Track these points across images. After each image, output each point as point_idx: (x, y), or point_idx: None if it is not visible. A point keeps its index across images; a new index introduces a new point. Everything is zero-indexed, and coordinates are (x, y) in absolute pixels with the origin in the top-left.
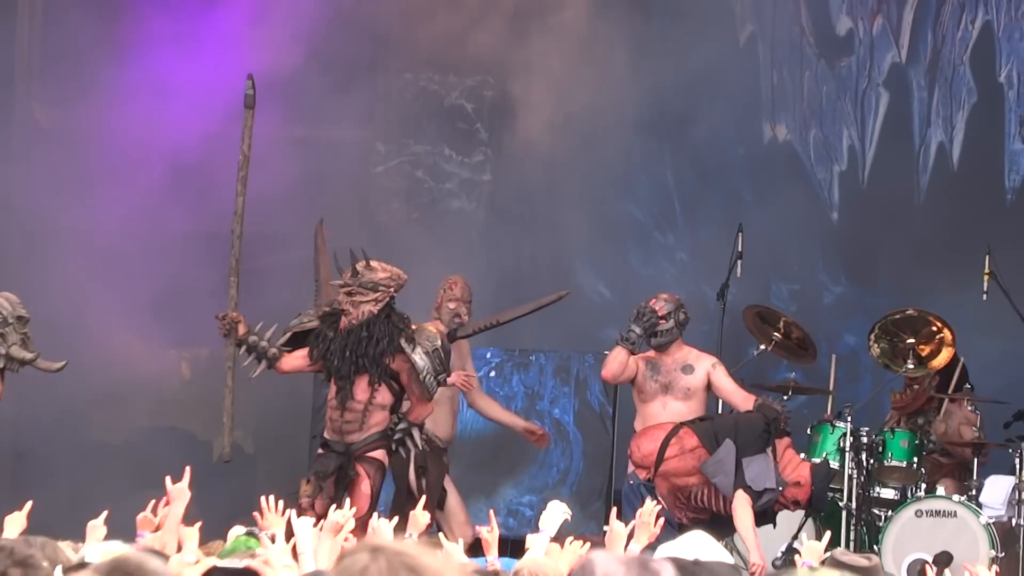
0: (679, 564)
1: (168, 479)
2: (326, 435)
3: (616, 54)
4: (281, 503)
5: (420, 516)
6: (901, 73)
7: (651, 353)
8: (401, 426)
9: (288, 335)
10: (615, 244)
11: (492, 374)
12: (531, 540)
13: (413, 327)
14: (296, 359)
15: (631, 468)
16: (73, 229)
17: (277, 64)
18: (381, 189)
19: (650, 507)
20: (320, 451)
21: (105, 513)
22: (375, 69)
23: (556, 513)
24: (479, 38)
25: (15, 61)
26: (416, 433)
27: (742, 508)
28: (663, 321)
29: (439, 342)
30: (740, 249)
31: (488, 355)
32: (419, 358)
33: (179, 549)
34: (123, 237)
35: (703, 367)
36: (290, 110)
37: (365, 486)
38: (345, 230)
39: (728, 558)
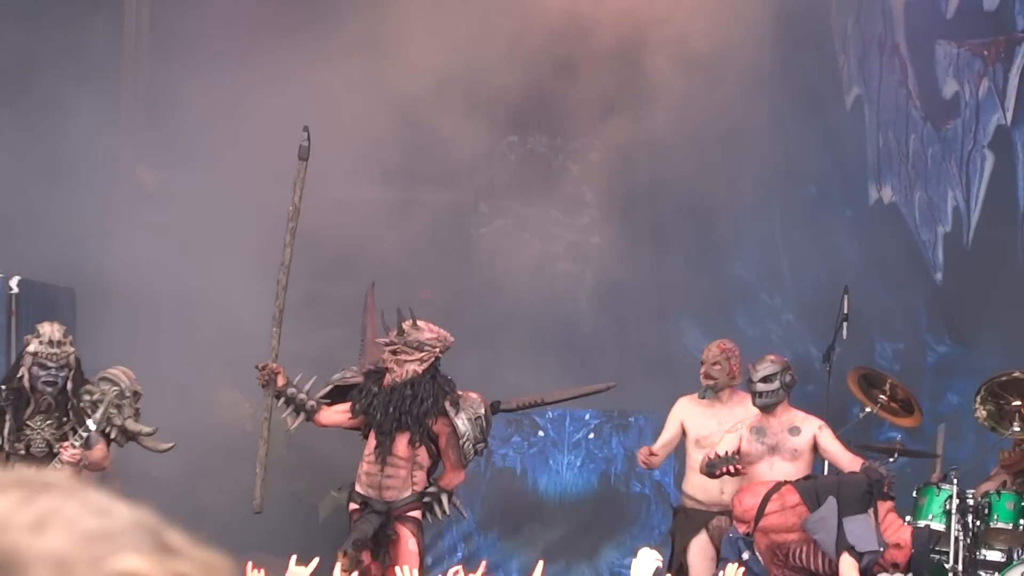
0: None
1: (293, 559)
2: (360, 490)
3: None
4: None
5: None
6: (1006, 135)
7: (754, 419)
8: (431, 489)
9: (329, 388)
10: (722, 304)
11: (591, 436)
12: None
13: (459, 393)
14: (335, 413)
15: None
16: (176, 293)
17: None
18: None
19: (732, 570)
20: (355, 506)
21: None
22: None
23: (648, 561)
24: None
25: (119, 121)
26: (445, 499)
27: (849, 572)
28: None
29: (482, 411)
30: (846, 311)
31: (587, 416)
32: (462, 423)
33: None
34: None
35: (809, 429)
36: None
37: (412, 544)
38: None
39: None
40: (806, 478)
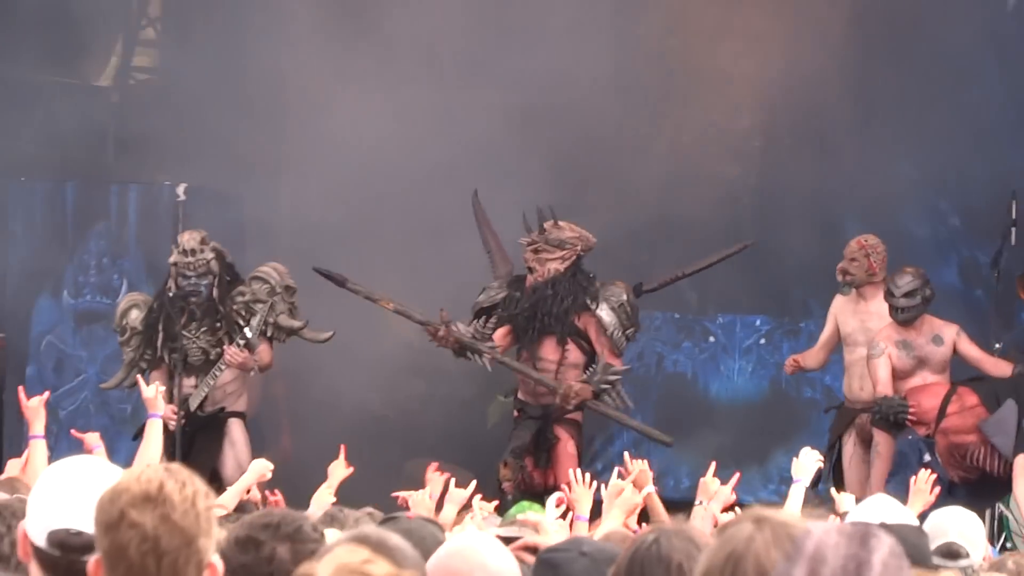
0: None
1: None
2: (521, 396)
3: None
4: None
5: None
6: None
7: (894, 332)
8: (599, 372)
9: (477, 310)
10: (889, 204)
11: (762, 342)
12: (792, 490)
13: (598, 284)
14: (503, 340)
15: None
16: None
17: None
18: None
19: (925, 475)
20: (516, 414)
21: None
22: None
23: (810, 461)
24: None
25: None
26: (615, 377)
27: (1023, 474)
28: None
29: (625, 297)
30: (1014, 216)
31: (758, 323)
32: (605, 314)
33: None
34: (407, 220)
35: (949, 335)
36: None
37: (571, 447)
38: None
39: (913, 521)
40: (980, 379)
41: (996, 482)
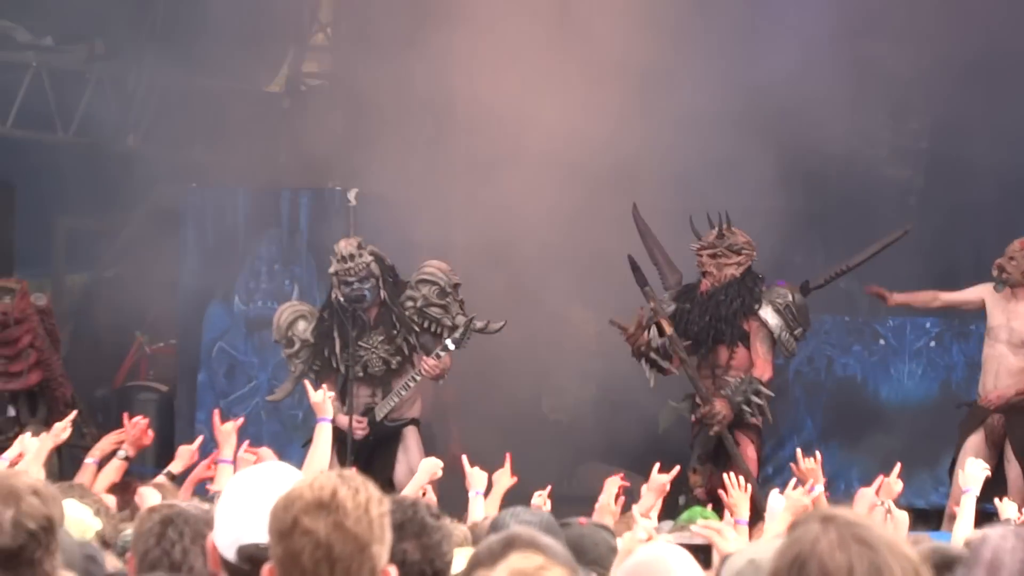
0: None
1: None
2: (698, 401)
3: None
4: None
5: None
6: None
7: None
8: (743, 387)
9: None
10: None
11: (932, 344)
12: (963, 501)
13: (763, 287)
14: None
15: None
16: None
17: None
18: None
19: None
20: (693, 419)
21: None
22: None
23: (977, 470)
24: None
25: None
26: (762, 388)
27: None
28: None
29: (791, 297)
30: None
31: (928, 325)
32: (770, 316)
33: None
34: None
35: None
36: None
37: (751, 451)
38: None
39: None
40: None
41: None
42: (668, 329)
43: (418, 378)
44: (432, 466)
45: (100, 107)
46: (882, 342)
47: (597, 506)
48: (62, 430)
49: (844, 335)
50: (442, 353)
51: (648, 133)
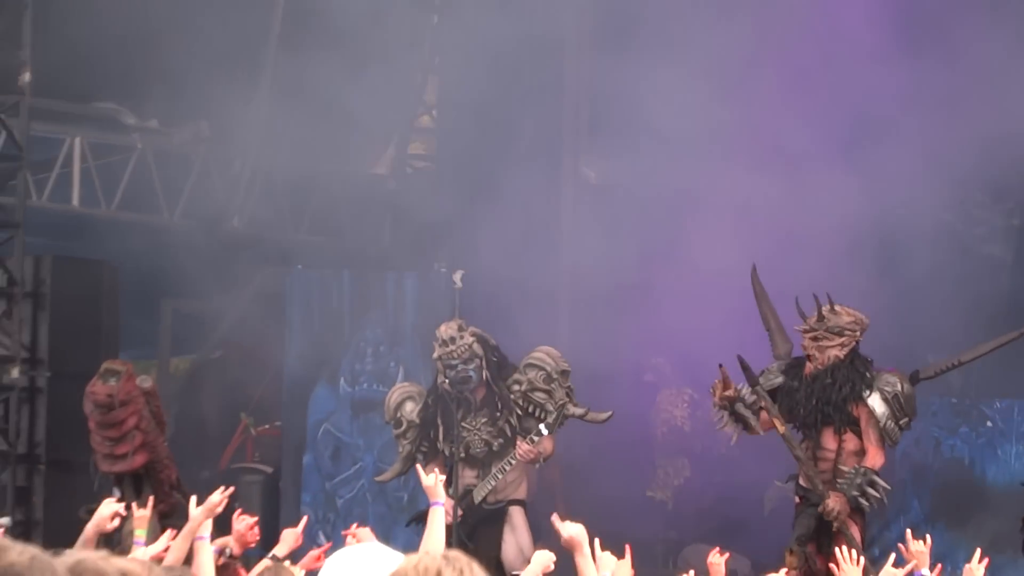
0: None
1: None
2: (802, 483)
3: None
4: None
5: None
6: None
7: None
8: (857, 480)
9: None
10: None
11: None
12: None
13: (873, 373)
14: (769, 421)
15: None
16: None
17: None
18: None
19: None
20: (797, 500)
21: None
22: None
23: None
24: None
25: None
26: (877, 479)
27: None
28: None
29: (900, 387)
30: None
31: None
32: (877, 404)
33: None
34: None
35: None
36: None
37: (854, 532)
38: None
39: None
40: None
41: None
42: (781, 428)
43: (513, 463)
44: (546, 559)
45: (206, 189)
46: (989, 424)
47: None
48: (217, 504)
49: (951, 416)
50: (536, 438)
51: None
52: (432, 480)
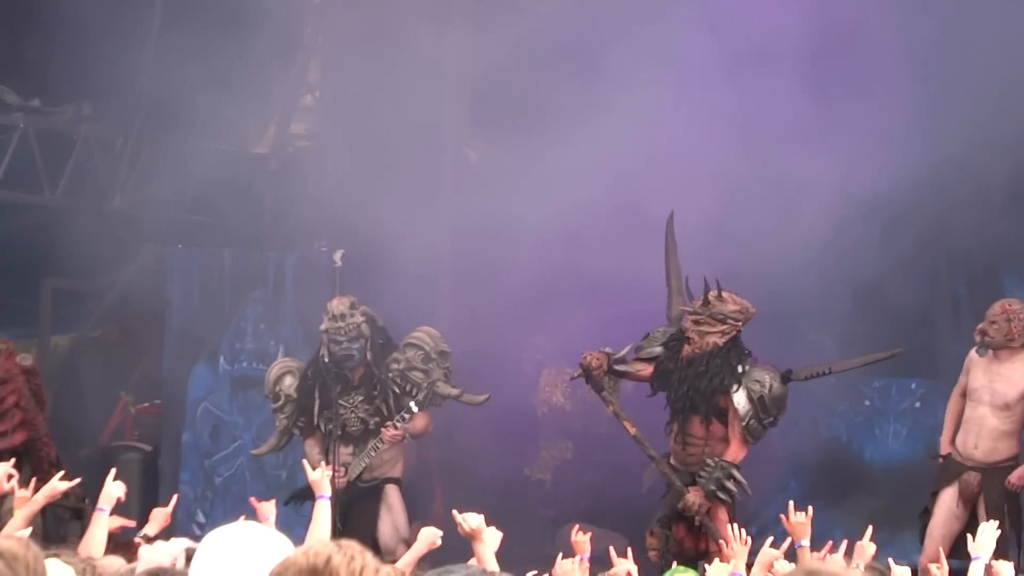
0: None
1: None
2: (673, 462)
3: None
4: None
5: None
6: None
7: None
8: (716, 475)
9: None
10: None
11: (918, 405)
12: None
13: (747, 367)
14: (636, 371)
15: None
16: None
17: None
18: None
19: None
20: (667, 469)
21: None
22: None
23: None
24: None
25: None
26: (735, 473)
27: None
28: None
29: (768, 387)
30: None
31: (913, 386)
32: (742, 402)
33: None
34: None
35: None
36: None
37: (722, 513)
38: None
39: None
40: None
41: None
42: (632, 430)
43: (381, 445)
44: (431, 536)
45: (88, 168)
46: (867, 403)
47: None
48: (59, 490)
49: (829, 396)
50: (407, 415)
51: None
52: (318, 474)
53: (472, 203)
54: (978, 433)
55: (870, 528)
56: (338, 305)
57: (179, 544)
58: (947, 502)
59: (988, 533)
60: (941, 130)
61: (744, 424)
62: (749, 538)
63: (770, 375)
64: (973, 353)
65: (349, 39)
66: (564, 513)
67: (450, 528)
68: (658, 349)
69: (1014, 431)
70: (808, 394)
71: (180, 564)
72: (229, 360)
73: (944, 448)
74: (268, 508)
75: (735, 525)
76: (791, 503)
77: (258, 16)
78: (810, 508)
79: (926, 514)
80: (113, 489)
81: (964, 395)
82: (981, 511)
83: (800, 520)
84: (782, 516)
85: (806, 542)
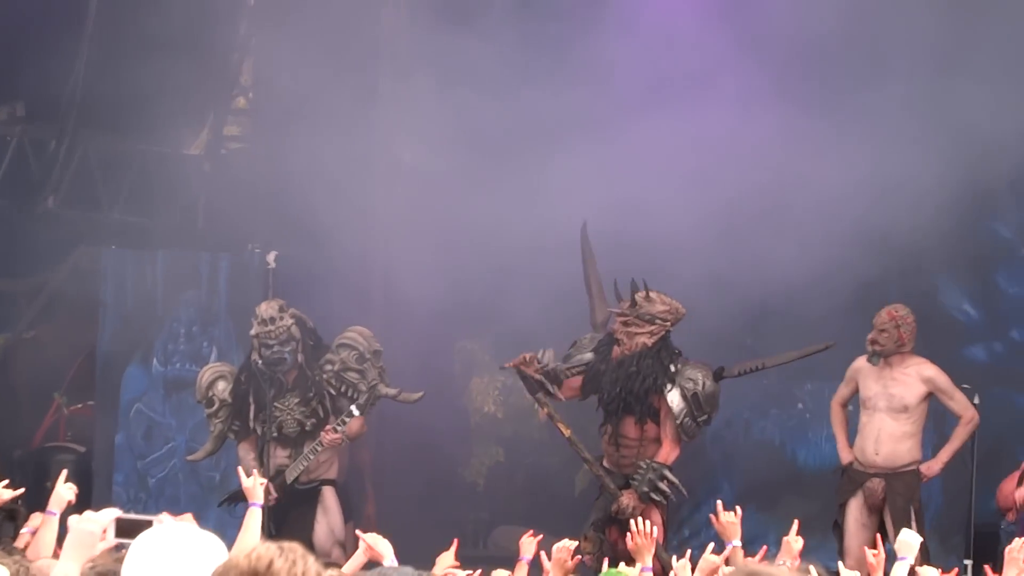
0: None
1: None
2: (606, 465)
3: None
4: None
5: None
6: None
7: None
8: (649, 476)
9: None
10: (980, 261)
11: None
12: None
13: (679, 365)
14: (571, 389)
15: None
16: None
17: None
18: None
19: (1019, 543)
20: (601, 471)
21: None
22: None
23: (915, 539)
24: None
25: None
26: (668, 474)
27: None
28: None
29: (702, 384)
30: None
31: None
32: (675, 400)
33: None
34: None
35: None
36: None
37: (654, 516)
38: None
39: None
40: None
41: None
42: (566, 432)
43: (320, 448)
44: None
45: (21, 169)
46: (800, 406)
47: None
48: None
49: (762, 399)
50: (347, 419)
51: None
52: (252, 482)
53: (405, 205)
54: (877, 439)
55: (796, 523)
56: (267, 309)
57: (109, 514)
58: (854, 513)
59: (911, 535)
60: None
61: (679, 422)
62: (655, 528)
63: (702, 373)
64: (859, 363)
65: (282, 41)
66: (497, 516)
67: (383, 529)
68: (588, 355)
69: (915, 433)
70: (741, 397)
71: (111, 535)
72: (162, 361)
73: (845, 457)
74: (188, 520)
75: (647, 523)
76: (719, 503)
77: (191, 18)
78: (738, 508)
79: (837, 528)
80: (64, 492)
81: (845, 405)
82: (888, 517)
83: (730, 520)
84: (712, 516)
85: (737, 542)
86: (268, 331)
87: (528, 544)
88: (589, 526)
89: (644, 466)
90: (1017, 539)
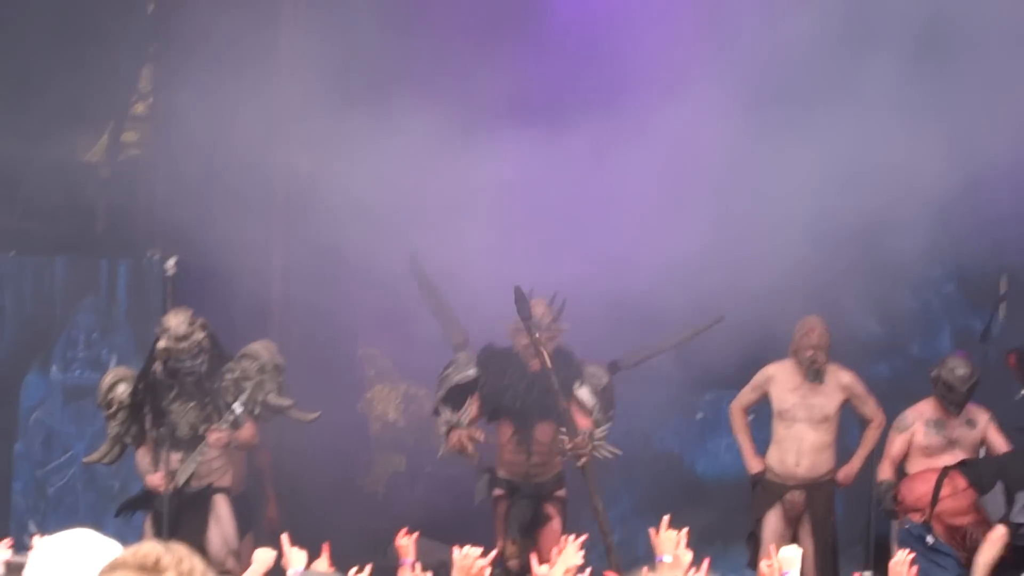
0: None
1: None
2: (505, 476)
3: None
4: None
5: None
6: None
7: (928, 411)
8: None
9: (445, 391)
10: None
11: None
12: None
13: (581, 365)
14: (472, 416)
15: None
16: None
17: None
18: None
19: (902, 556)
20: (500, 493)
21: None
22: None
23: (796, 553)
24: None
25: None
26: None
27: (990, 542)
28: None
29: (605, 380)
30: (1002, 292)
31: None
32: (587, 397)
33: None
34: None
35: (982, 420)
36: None
37: (556, 524)
38: None
39: None
40: (964, 462)
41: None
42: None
43: (206, 448)
44: (267, 557)
45: None
46: (699, 416)
47: None
48: None
49: (661, 409)
50: (230, 416)
51: None
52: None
53: (303, 213)
54: (798, 450)
55: (666, 517)
56: (178, 325)
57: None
58: (772, 525)
59: (792, 550)
60: None
61: (592, 418)
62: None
63: (601, 368)
64: (771, 370)
65: (182, 47)
66: (397, 525)
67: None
68: (472, 371)
69: (833, 442)
70: (640, 406)
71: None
72: (61, 368)
73: (754, 466)
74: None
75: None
76: (666, 518)
77: (90, 23)
78: (685, 529)
79: (753, 539)
80: None
81: (747, 411)
82: (804, 528)
83: (669, 537)
84: (652, 530)
85: (668, 558)
86: (181, 348)
87: (406, 547)
88: (516, 531)
89: (582, 436)
90: (900, 551)
